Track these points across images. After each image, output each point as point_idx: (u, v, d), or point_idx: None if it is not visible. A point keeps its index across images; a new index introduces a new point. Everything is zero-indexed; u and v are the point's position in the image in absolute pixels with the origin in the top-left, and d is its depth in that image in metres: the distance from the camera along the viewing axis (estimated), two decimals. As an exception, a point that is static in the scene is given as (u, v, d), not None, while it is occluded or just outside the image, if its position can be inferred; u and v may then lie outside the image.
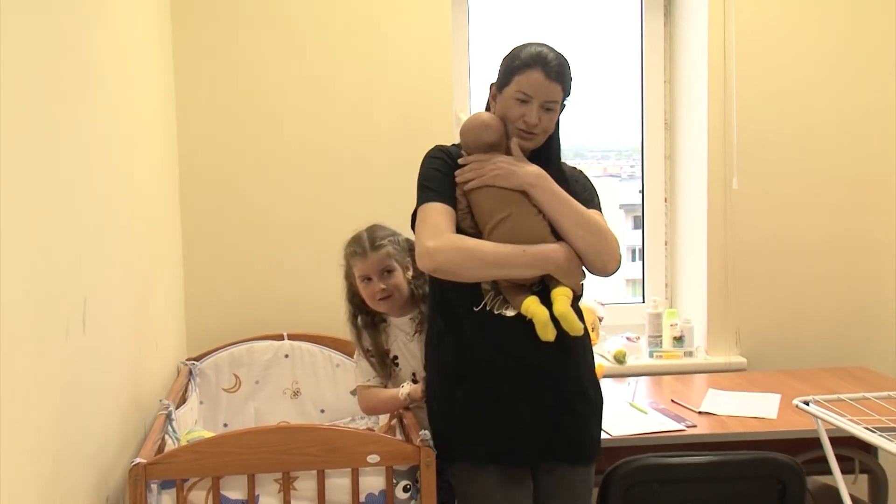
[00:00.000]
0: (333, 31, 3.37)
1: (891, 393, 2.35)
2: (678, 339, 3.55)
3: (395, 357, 2.71)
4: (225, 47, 3.33)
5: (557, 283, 2.23)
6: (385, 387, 2.71)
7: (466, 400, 2.31)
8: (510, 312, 2.26)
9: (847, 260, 3.63)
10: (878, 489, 3.05)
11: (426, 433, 2.40)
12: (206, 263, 3.37)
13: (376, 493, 2.29)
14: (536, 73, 2.24)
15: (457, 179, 2.30)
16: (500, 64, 2.34)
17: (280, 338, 3.24)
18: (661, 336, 3.57)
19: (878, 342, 3.64)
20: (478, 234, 2.26)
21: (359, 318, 2.74)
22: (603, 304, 3.55)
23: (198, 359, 3.15)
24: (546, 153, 2.35)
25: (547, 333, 2.17)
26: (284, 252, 3.40)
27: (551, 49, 2.30)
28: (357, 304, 2.74)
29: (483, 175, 2.26)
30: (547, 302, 2.21)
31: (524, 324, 2.21)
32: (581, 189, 2.37)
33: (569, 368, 2.31)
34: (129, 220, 2.49)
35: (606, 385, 3.11)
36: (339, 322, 3.29)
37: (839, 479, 2.16)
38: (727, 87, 3.51)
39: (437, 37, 3.41)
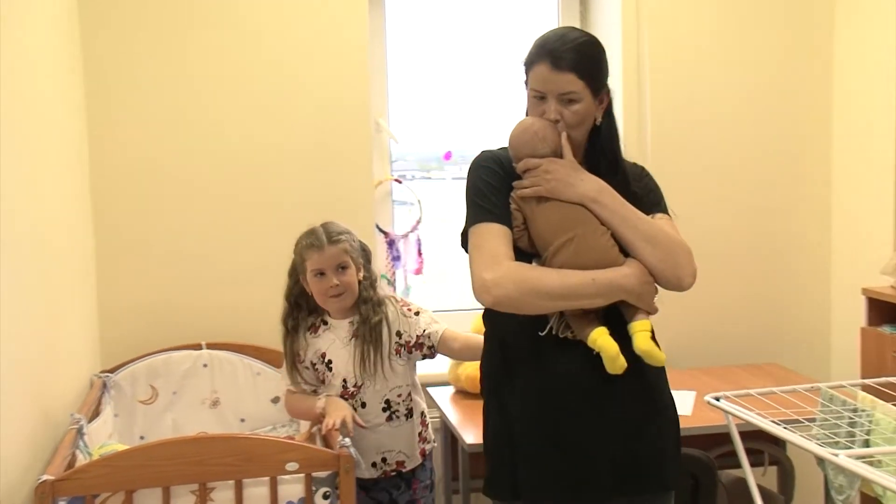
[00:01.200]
0: (247, 38, 3.33)
1: (797, 387, 2.41)
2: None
3: (330, 361, 2.68)
4: (137, 51, 3.26)
5: (630, 306, 2.02)
6: (315, 392, 2.71)
7: (531, 435, 2.06)
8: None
9: (761, 260, 3.73)
10: (787, 480, 3.14)
11: (346, 440, 2.39)
12: (120, 273, 3.29)
13: (295, 501, 2.28)
14: (543, 67, 2.01)
15: (515, 193, 2.06)
16: None
17: (198, 347, 3.19)
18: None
19: (789, 339, 3.75)
20: (535, 253, 2.04)
21: (296, 318, 2.71)
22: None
23: (112, 371, 3.08)
24: (600, 148, 2.10)
25: (616, 368, 1.94)
26: (202, 260, 3.34)
27: (564, 34, 2.05)
28: (297, 303, 2.71)
29: (538, 185, 2.03)
30: (617, 330, 1.99)
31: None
32: (644, 191, 2.13)
33: (642, 393, 2.08)
34: (33, 229, 2.42)
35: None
36: (259, 330, 3.29)
37: (747, 472, 2.21)
38: (641, 95, 3.58)
39: (354, 42, 3.39)
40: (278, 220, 3.36)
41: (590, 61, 2.02)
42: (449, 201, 4.00)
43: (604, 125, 2.09)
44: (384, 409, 2.67)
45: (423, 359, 2.76)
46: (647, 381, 2.08)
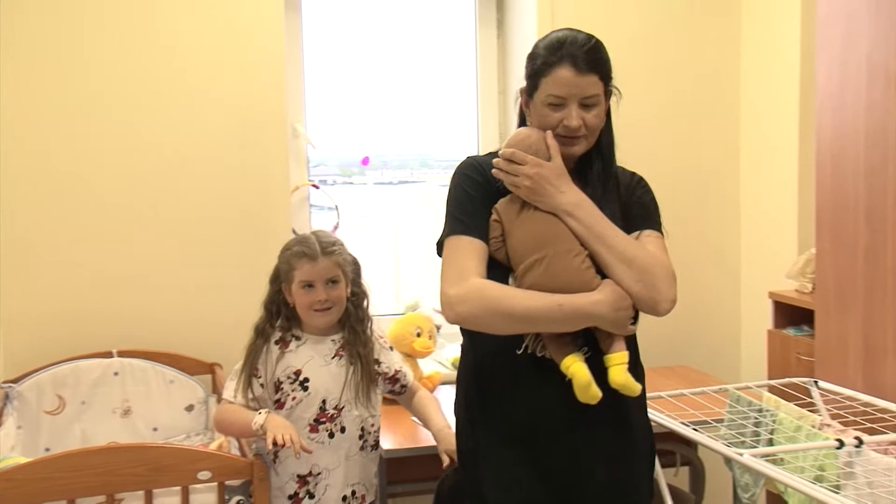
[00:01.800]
0: (162, 40, 3.26)
1: (706, 389, 2.47)
2: (513, 344, 3.61)
3: (307, 379, 2.39)
4: (44, 53, 3.16)
5: (605, 332, 1.90)
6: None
7: (505, 458, 1.97)
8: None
9: (674, 265, 3.77)
10: (698, 479, 3.21)
11: (259, 447, 2.37)
12: (23, 279, 3.17)
13: (207, 510, 2.25)
14: (565, 71, 1.88)
15: (493, 171, 1.95)
16: (525, 66, 1.98)
17: (109, 355, 3.11)
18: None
19: (701, 342, 3.83)
20: (511, 268, 1.94)
21: (271, 328, 2.45)
22: (440, 312, 3.58)
23: (16, 381, 2.98)
24: (597, 155, 1.99)
25: (587, 397, 1.83)
26: (113, 266, 3.25)
27: (575, 35, 1.93)
28: (276, 312, 2.47)
29: (516, 181, 1.91)
30: (598, 352, 1.90)
31: None
32: (637, 203, 2.01)
33: (621, 421, 1.97)
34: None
35: (443, 392, 3.14)
36: (172, 337, 3.23)
37: (659, 472, 2.25)
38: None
39: (269, 47, 3.35)
40: (193, 224, 3.30)
41: (606, 61, 1.94)
42: (370, 206, 4.00)
43: (604, 131, 1.99)
44: (360, 437, 2.43)
45: (389, 394, 2.59)
46: (626, 409, 1.95)
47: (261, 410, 2.33)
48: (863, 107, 2.66)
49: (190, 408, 3.13)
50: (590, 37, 1.94)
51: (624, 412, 1.96)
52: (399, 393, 2.60)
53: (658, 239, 1.98)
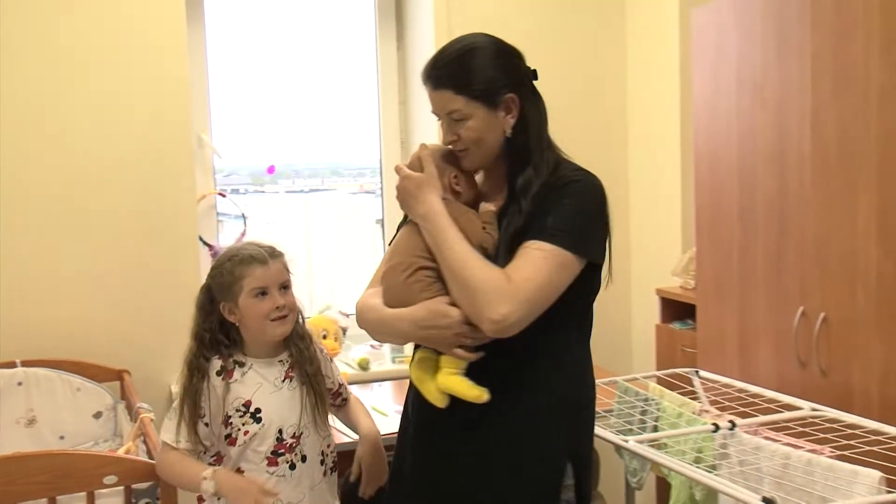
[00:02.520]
0: (68, 54, 3.19)
1: (598, 381, 2.52)
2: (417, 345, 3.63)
3: (258, 409, 2.09)
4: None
5: None
6: (204, 452, 2.12)
7: (392, 465, 2.03)
8: None
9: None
10: (593, 467, 3.27)
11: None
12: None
13: (114, 514, 2.21)
14: (427, 88, 1.83)
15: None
16: None
17: (12, 365, 3.01)
18: (400, 340, 3.64)
19: (595, 338, 3.87)
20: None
21: (207, 360, 2.11)
22: (347, 315, 3.58)
23: (-86, 393, 2.87)
24: (519, 159, 1.83)
25: (434, 400, 1.78)
26: (15, 274, 3.15)
27: (445, 48, 1.84)
28: (212, 340, 2.13)
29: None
30: (487, 363, 1.77)
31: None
32: (543, 213, 1.76)
33: (482, 429, 1.81)
34: None
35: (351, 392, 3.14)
36: (79, 345, 3.16)
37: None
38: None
39: (173, 60, 3.30)
40: (99, 233, 3.24)
41: (466, 72, 1.79)
42: (281, 213, 3.98)
43: (514, 138, 1.83)
44: (321, 462, 2.17)
45: (330, 408, 2.28)
46: (494, 415, 1.79)
47: (204, 472, 2.04)
48: (734, 115, 2.77)
49: (98, 415, 3.06)
50: (462, 46, 1.82)
51: (488, 423, 1.80)
52: (340, 406, 2.35)
53: (538, 251, 1.72)
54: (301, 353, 2.17)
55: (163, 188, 3.31)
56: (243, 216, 3.68)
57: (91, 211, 3.23)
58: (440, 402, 1.77)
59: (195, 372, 2.10)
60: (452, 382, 1.76)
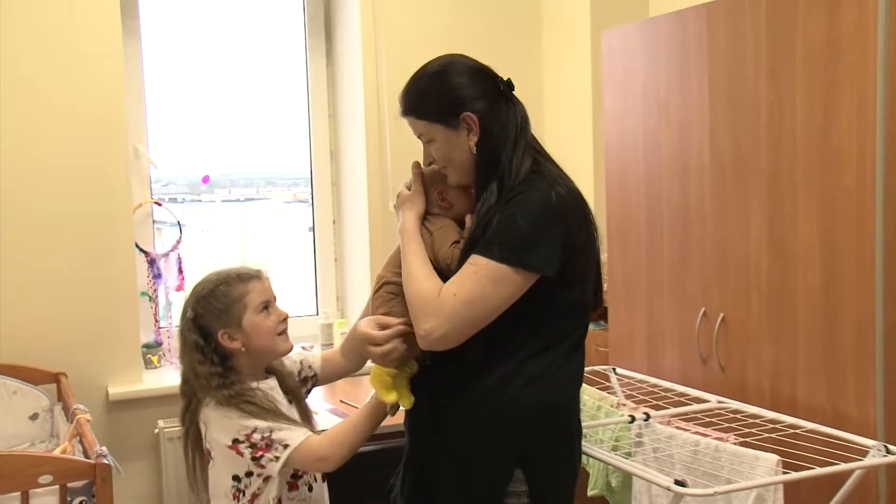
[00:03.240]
0: (2, 65, 3.14)
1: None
2: (348, 346, 3.66)
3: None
4: None
5: None
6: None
7: None
8: None
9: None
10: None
11: (103, 448, 2.32)
12: None
13: (49, 512, 2.19)
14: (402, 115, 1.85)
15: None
16: None
17: (-53, 369, 2.97)
18: (332, 344, 3.67)
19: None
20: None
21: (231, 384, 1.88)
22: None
23: None
24: (486, 175, 1.77)
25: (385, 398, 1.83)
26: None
27: (411, 77, 1.86)
28: (222, 376, 1.88)
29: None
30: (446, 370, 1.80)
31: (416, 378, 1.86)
32: (495, 223, 1.70)
33: (430, 429, 1.84)
34: None
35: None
36: (15, 349, 3.11)
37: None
38: (381, 122, 3.69)
39: (108, 73, 3.27)
40: (36, 239, 3.20)
41: (420, 96, 1.81)
42: (217, 222, 3.98)
43: (480, 154, 1.77)
44: (324, 479, 2.05)
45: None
46: (444, 418, 1.80)
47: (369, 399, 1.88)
48: (641, 130, 2.87)
49: (34, 416, 3.02)
50: (419, 72, 1.84)
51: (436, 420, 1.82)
52: (314, 385, 2.15)
53: (470, 266, 1.69)
54: (284, 368, 2.05)
55: (99, 197, 3.28)
56: (179, 224, 3.67)
57: (28, 218, 3.19)
58: (391, 398, 1.83)
59: (232, 398, 1.86)
60: (376, 385, 1.84)
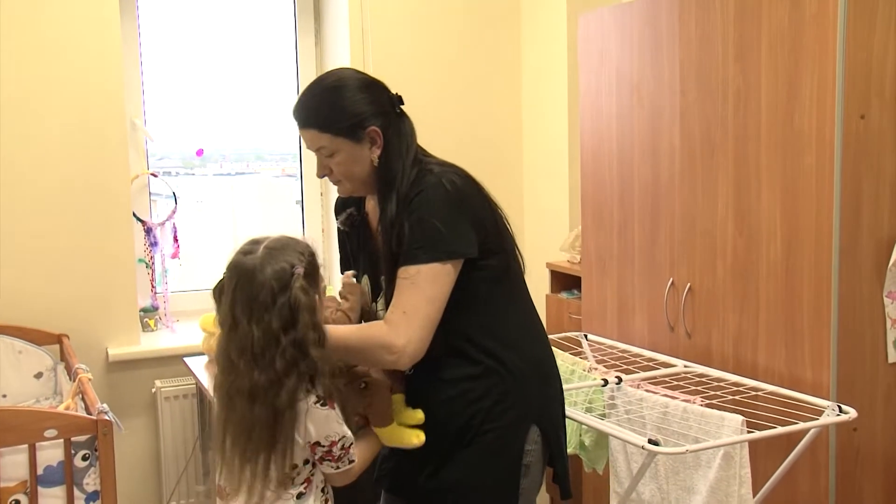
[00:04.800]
0: (3, 40, 3.08)
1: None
2: (335, 311, 3.67)
3: None
4: None
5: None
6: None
7: None
8: None
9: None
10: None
11: (104, 405, 2.31)
12: None
13: (55, 465, 2.19)
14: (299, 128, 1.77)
15: None
16: None
17: (-45, 329, 2.94)
18: (320, 309, 3.66)
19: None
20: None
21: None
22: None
23: None
24: (387, 185, 1.73)
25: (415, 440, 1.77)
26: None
27: (303, 92, 1.78)
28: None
29: None
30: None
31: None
32: (407, 231, 1.67)
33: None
34: None
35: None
36: (21, 312, 3.09)
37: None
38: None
39: (107, 42, 3.22)
40: (39, 208, 3.17)
41: (322, 110, 1.73)
42: (209, 194, 3.95)
43: (381, 166, 1.74)
44: None
45: None
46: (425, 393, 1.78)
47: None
48: (614, 110, 2.87)
49: (39, 375, 3.01)
50: (316, 85, 1.77)
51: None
52: None
53: (404, 280, 1.65)
54: None
55: (99, 167, 3.25)
56: (174, 195, 3.64)
57: (32, 188, 3.16)
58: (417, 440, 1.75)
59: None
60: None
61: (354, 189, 1.80)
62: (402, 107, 1.80)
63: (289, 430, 1.53)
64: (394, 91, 1.81)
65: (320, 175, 1.79)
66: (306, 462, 1.59)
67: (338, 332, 1.64)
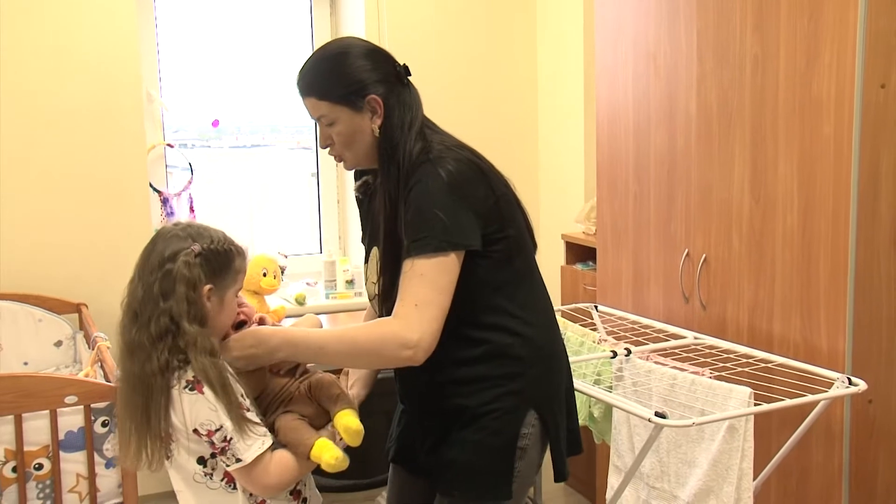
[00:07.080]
0: (20, 8, 3.10)
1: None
2: (350, 283, 3.68)
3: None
4: None
5: None
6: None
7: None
8: None
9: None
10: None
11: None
12: None
13: (75, 430, 2.22)
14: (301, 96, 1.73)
15: None
16: None
17: (-23, 297, 2.98)
18: (335, 280, 3.68)
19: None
20: None
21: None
22: (285, 255, 3.60)
23: None
24: (388, 157, 1.67)
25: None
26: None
27: (305, 61, 1.74)
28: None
29: None
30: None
31: None
32: (406, 219, 1.62)
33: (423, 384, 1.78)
34: None
35: (287, 324, 3.17)
36: (39, 281, 3.13)
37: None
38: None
39: (123, 13, 3.24)
40: (57, 179, 3.21)
41: (322, 77, 1.70)
42: (225, 166, 3.97)
43: (383, 137, 1.67)
44: None
45: None
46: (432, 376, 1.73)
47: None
48: (630, 80, 2.85)
49: (58, 343, 3.05)
50: (319, 53, 1.73)
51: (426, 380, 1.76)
52: None
53: (413, 272, 1.59)
54: None
55: (116, 137, 3.28)
56: (190, 167, 3.65)
57: (50, 158, 3.19)
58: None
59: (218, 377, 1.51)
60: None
61: (357, 162, 1.74)
62: (409, 78, 1.74)
63: (161, 404, 1.49)
64: (407, 62, 1.75)
65: (323, 145, 1.74)
66: (213, 455, 1.54)
67: (345, 331, 1.61)
